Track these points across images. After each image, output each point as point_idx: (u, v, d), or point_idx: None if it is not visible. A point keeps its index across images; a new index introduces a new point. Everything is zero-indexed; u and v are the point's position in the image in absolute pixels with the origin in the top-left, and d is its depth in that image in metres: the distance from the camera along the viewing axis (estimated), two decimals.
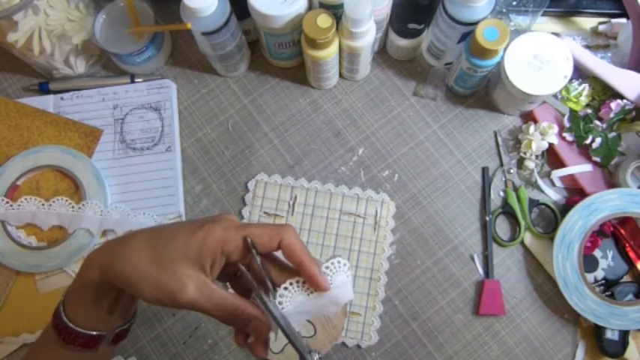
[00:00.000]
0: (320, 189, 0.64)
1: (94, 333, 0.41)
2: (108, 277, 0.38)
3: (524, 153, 0.64)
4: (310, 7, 0.59)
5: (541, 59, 0.59)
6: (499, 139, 0.66)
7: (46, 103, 0.67)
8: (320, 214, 0.63)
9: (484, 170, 0.65)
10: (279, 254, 0.40)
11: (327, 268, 0.39)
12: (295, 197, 0.64)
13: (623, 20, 0.67)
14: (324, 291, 0.38)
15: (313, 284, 0.38)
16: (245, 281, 0.39)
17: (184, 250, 0.36)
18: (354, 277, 0.62)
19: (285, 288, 0.38)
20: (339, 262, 0.39)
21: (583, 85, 0.64)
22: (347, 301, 0.40)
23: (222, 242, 0.37)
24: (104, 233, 0.63)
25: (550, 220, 0.63)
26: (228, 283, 0.44)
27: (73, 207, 0.62)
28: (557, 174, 0.63)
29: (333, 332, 0.59)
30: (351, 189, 0.64)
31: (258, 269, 0.39)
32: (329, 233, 0.63)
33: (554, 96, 0.64)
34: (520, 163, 0.65)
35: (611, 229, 0.61)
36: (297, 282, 0.38)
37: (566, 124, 0.63)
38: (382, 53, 0.69)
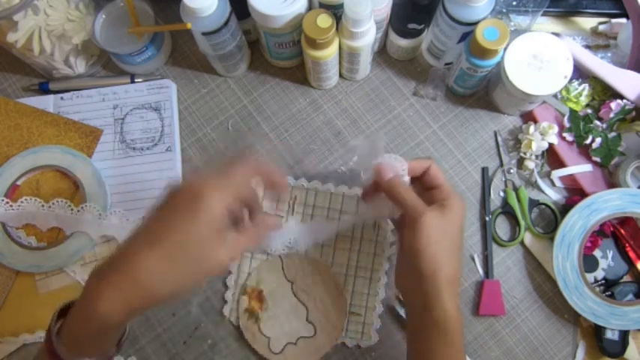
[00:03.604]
0: (320, 189, 0.64)
1: None
2: (141, 309, 0.39)
3: (524, 153, 0.64)
4: (310, 7, 0.59)
5: (541, 59, 0.59)
6: (499, 139, 0.66)
7: (46, 103, 0.67)
8: (320, 214, 0.63)
9: (484, 170, 0.65)
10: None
11: None
12: (295, 197, 0.64)
13: (623, 20, 0.67)
14: None
15: None
16: None
17: (200, 242, 0.40)
18: (354, 277, 0.62)
19: None
20: None
21: (583, 85, 0.64)
22: None
23: (224, 209, 0.40)
24: (103, 236, 0.63)
25: (550, 220, 0.63)
26: None
27: (72, 209, 0.62)
28: (557, 174, 0.63)
29: (333, 332, 0.59)
30: (351, 189, 0.64)
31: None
32: None
33: (554, 96, 0.64)
34: (520, 163, 0.65)
35: (611, 229, 0.61)
36: None
37: (566, 124, 0.63)
38: (382, 53, 0.69)
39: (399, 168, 0.50)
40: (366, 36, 0.58)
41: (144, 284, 0.38)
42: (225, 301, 0.61)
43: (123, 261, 0.39)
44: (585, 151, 0.63)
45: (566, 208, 0.62)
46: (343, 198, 0.64)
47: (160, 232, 0.39)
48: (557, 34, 0.62)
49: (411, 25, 0.62)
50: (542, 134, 0.63)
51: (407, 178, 0.51)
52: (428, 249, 0.46)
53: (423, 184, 0.52)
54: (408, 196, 0.48)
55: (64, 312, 0.43)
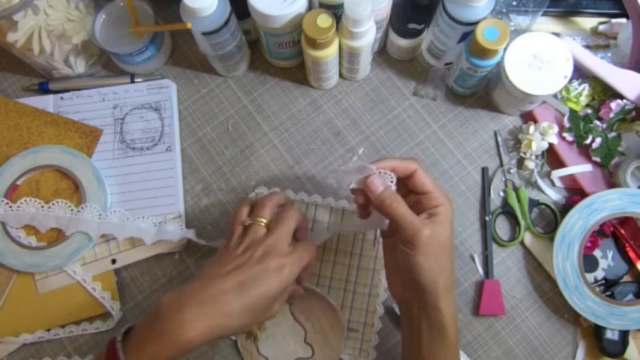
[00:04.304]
0: (320, 203, 0.63)
1: None
2: (217, 339, 0.46)
3: (524, 153, 0.64)
4: (310, 7, 0.59)
5: (541, 59, 0.59)
6: (499, 139, 0.66)
7: (46, 103, 0.67)
8: (319, 228, 0.62)
9: (484, 170, 0.65)
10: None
11: None
12: None
13: (623, 20, 0.67)
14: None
15: None
16: None
17: (276, 299, 0.49)
18: (352, 292, 0.61)
19: None
20: None
21: (583, 85, 0.64)
22: None
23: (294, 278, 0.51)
24: (103, 236, 0.63)
25: (550, 220, 0.63)
26: None
27: (72, 210, 0.62)
28: (557, 174, 0.63)
29: (331, 354, 0.59)
30: (351, 203, 0.63)
31: None
32: (328, 248, 0.62)
33: (554, 96, 0.64)
34: (520, 163, 0.65)
35: (611, 229, 0.61)
36: None
37: (566, 124, 0.63)
38: (382, 53, 0.69)
39: (387, 180, 0.49)
40: (366, 36, 0.58)
41: (227, 321, 0.45)
42: None
43: (210, 298, 0.45)
44: (585, 151, 0.63)
45: (566, 208, 0.62)
46: (343, 212, 0.63)
47: (251, 282, 0.47)
48: (557, 34, 0.62)
49: (411, 25, 0.62)
50: (542, 134, 0.63)
51: (394, 188, 0.49)
52: (426, 264, 0.46)
53: (408, 187, 0.51)
54: (401, 211, 0.47)
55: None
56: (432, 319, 0.47)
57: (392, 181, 0.49)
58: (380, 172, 0.49)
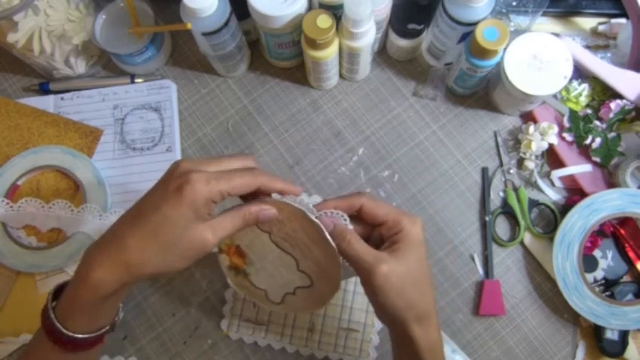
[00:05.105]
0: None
1: (94, 334, 0.43)
2: (130, 280, 0.41)
3: (524, 153, 0.64)
4: (310, 8, 0.59)
5: (541, 59, 0.59)
6: (499, 139, 0.66)
7: (46, 103, 0.67)
8: None
9: (484, 170, 0.65)
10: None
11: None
12: None
13: (623, 20, 0.67)
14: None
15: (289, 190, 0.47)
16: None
17: (184, 222, 0.41)
18: (353, 293, 0.61)
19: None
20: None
21: (583, 85, 0.64)
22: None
23: (208, 198, 0.42)
24: None
25: (550, 220, 0.63)
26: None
27: (72, 210, 0.62)
28: (557, 174, 0.64)
29: (331, 282, 0.50)
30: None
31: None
32: None
33: (554, 96, 0.64)
34: (520, 163, 0.65)
35: (611, 229, 0.61)
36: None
37: (566, 124, 0.63)
38: (382, 53, 0.69)
39: (339, 219, 0.46)
40: (366, 36, 0.58)
41: (130, 258, 0.41)
42: (226, 301, 0.61)
43: (113, 235, 0.42)
44: (585, 151, 0.63)
45: (565, 208, 0.62)
46: None
47: (146, 209, 0.42)
48: (557, 35, 0.62)
49: (411, 26, 0.62)
50: (542, 134, 0.63)
51: (351, 227, 0.46)
52: (387, 302, 0.42)
53: (364, 221, 0.46)
54: (353, 250, 0.43)
55: (58, 294, 0.44)
56: (408, 349, 0.44)
57: (345, 220, 0.46)
58: (325, 212, 0.46)
